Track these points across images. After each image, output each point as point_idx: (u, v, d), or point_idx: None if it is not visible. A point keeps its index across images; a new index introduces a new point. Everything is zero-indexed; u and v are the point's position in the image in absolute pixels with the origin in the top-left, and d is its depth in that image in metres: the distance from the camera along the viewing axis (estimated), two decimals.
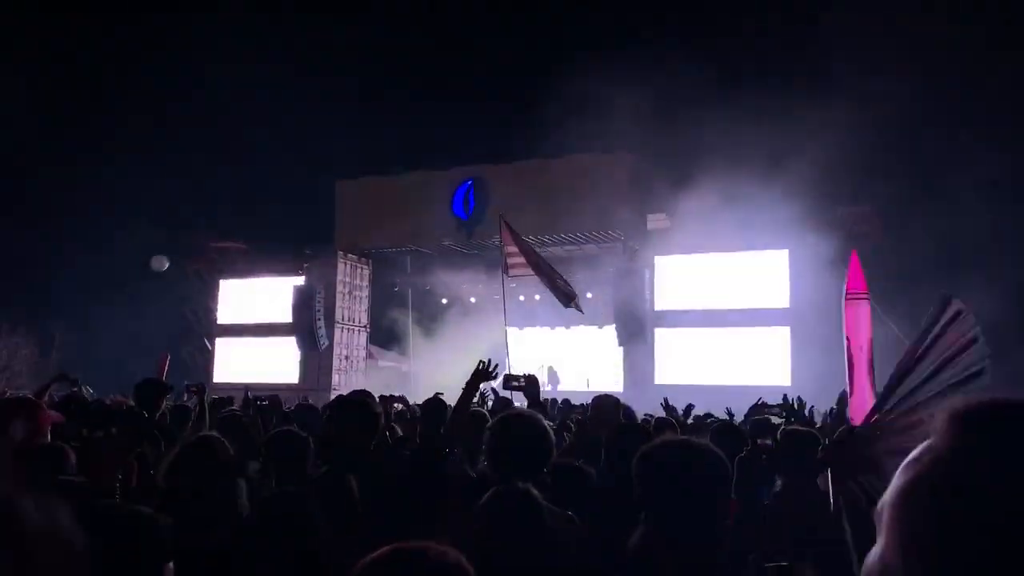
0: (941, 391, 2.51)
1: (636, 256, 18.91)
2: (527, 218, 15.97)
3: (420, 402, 5.87)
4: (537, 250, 13.39)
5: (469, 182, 20.18)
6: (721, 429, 4.91)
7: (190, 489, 2.77)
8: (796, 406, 6.13)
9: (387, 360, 23.36)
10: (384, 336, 23.53)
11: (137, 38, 22.61)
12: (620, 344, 19.10)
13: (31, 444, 3.14)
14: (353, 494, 3.23)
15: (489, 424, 2.90)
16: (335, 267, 21.84)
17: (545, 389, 12.99)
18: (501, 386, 4.53)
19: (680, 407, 7.38)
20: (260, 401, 7.13)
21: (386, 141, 20.55)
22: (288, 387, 20.38)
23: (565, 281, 11.61)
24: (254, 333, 23.07)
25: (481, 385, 3.87)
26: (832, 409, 6.59)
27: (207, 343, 23.20)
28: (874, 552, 0.83)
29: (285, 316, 21.93)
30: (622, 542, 2.03)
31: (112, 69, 21.56)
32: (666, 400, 7.57)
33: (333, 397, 9.14)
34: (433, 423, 4.35)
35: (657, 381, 18.43)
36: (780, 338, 18.31)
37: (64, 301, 21.11)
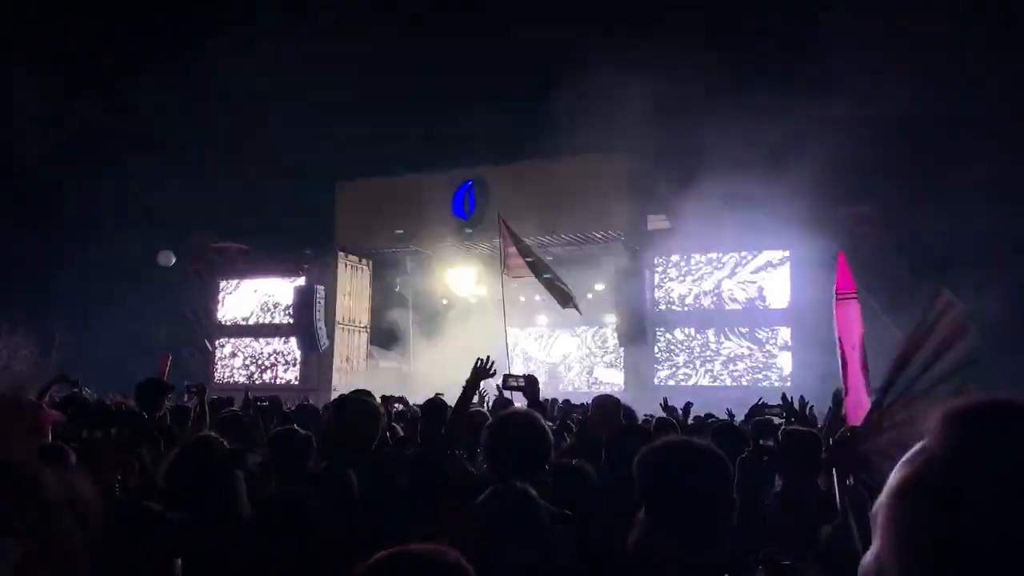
0: (938, 380, 2.52)
1: (636, 257, 18.92)
2: (528, 219, 15.97)
3: (420, 402, 5.86)
4: (538, 251, 13.40)
5: (469, 183, 20.19)
6: (722, 430, 4.92)
7: (190, 489, 2.78)
8: (798, 406, 6.12)
9: (387, 360, 23.34)
10: (384, 337, 23.50)
11: (137, 38, 22.62)
12: (620, 344, 19.13)
13: (31, 444, 3.14)
14: (353, 491, 3.23)
15: (487, 424, 2.90)
16: (335, 268, 21.85)
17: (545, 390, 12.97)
18: (500, 386, 4.52)
19: (680, 407, 7.37)
20: (260, 402, 7.12)
21: (386, 142, 20.55)
22: (288, 387, 20.44)
23: (563, 283, 11.61)
24: (254, 333, 23.09)
25: (482, 384, 3.87)
26: (831, 409, 6.57)
27: (207, 343, 23.20)
28: (870, 552, 0.83)
29: (285, 317, 21.96)
30: (622, 542, 2.03)
31: (112, 70, 21.57)
32: (665, 400, 7.57)
33: (334, 397, 9.13)
34: (434, 423, 4.34)
35: (657, 381, 18.45)
36: (780, 338, 18.33)
37: (64, 301, 21.08)
